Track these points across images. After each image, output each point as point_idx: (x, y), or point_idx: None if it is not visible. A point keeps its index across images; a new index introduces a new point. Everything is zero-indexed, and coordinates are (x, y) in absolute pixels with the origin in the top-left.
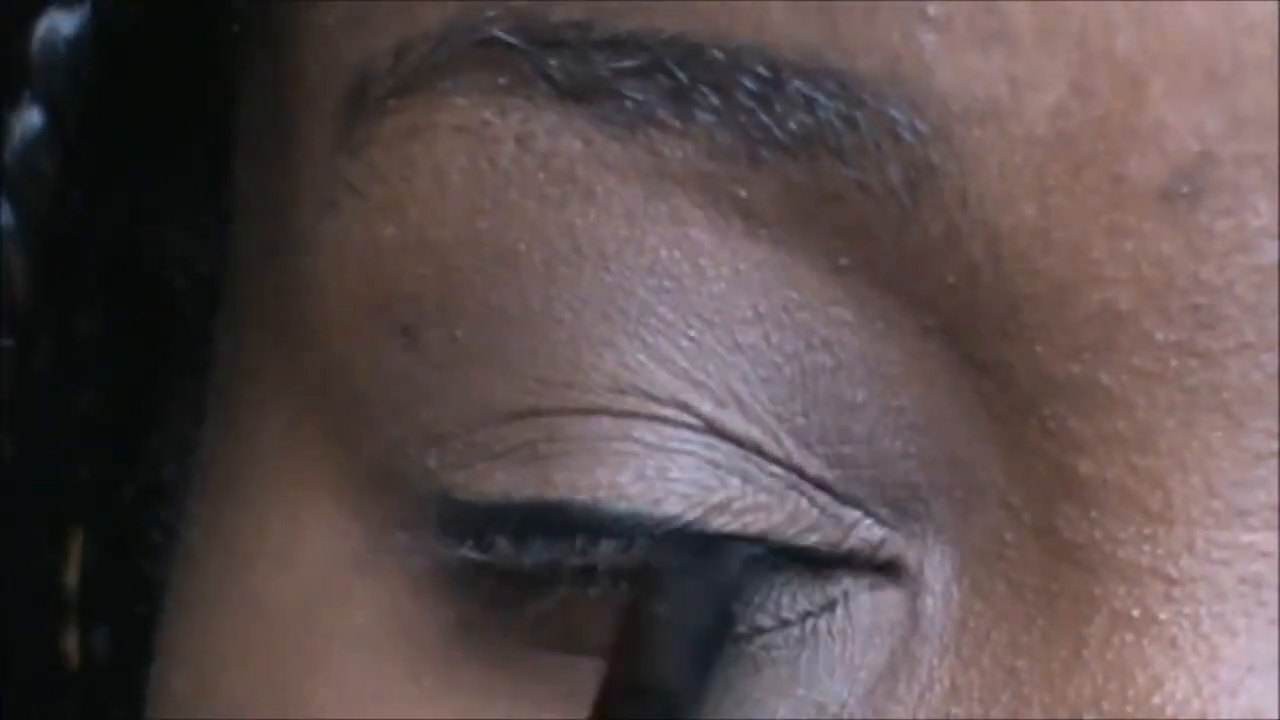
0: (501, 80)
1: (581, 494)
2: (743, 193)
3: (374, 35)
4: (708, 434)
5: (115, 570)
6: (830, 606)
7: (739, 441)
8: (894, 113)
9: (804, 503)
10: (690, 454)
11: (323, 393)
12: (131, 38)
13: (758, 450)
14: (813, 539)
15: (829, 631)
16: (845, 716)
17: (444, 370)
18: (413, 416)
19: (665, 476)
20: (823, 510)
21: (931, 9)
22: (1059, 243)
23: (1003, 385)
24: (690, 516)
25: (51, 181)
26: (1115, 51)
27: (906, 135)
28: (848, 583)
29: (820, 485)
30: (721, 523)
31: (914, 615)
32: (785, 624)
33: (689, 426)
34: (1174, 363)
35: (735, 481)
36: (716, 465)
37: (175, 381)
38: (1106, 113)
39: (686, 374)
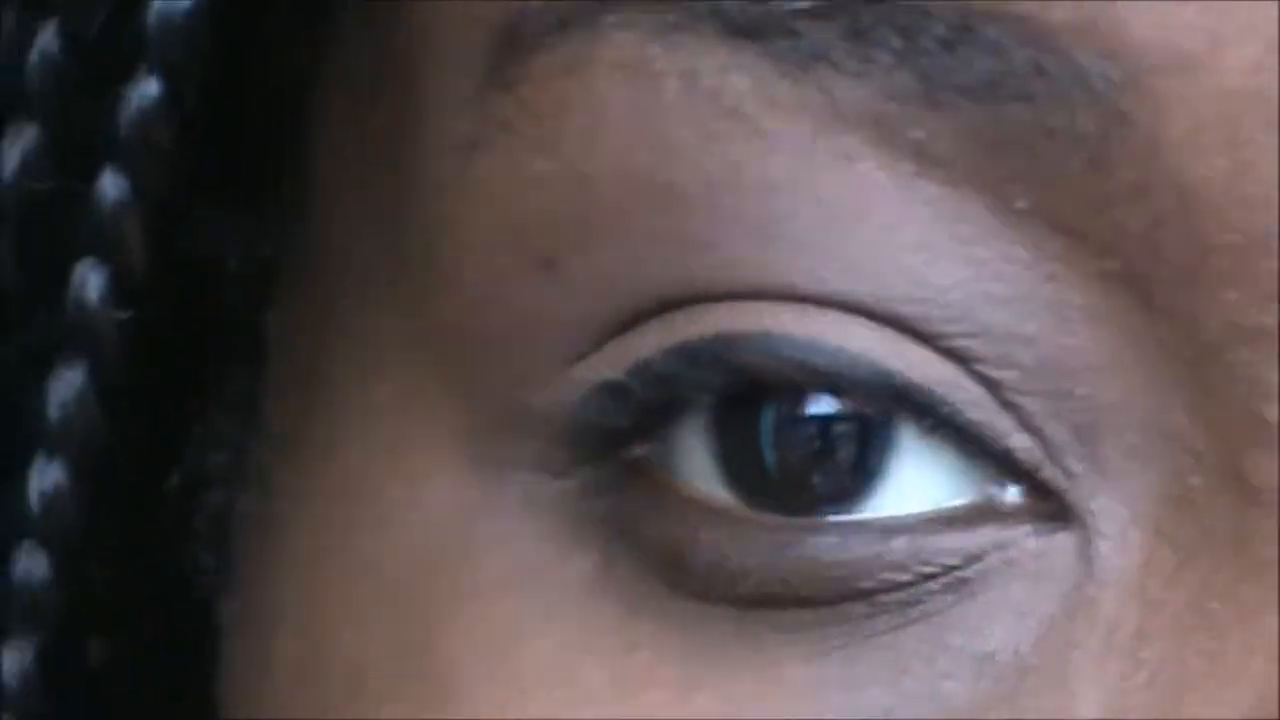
0: (670, 18)
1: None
2: (918, 134)
3: None
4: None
5: (152, 561)
6: (987, 553)
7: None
8: (1085, 61)
9: (970, 380)
10: (862, 321)
11: (445, 345)
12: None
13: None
14: (978, 415)
15: (990, 579)
16: (1020, 665)
17: (583, 298)
18: (548, 345)
19: (842, 329)
20: (987, 391)
21: None
22: (1252, 195)
23: (1187, 332)
24: (877, 353)
25: (168, 152)
26: None
27: (1098, 84)
28: (1009, 529)
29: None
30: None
31: (1086, 559)
32: (948, 570)
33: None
34: None
35: (908, 341)
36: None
37: (225, 367)
38: None
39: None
